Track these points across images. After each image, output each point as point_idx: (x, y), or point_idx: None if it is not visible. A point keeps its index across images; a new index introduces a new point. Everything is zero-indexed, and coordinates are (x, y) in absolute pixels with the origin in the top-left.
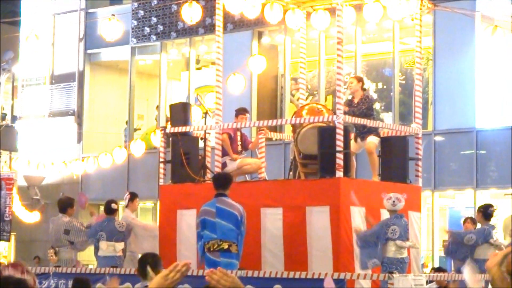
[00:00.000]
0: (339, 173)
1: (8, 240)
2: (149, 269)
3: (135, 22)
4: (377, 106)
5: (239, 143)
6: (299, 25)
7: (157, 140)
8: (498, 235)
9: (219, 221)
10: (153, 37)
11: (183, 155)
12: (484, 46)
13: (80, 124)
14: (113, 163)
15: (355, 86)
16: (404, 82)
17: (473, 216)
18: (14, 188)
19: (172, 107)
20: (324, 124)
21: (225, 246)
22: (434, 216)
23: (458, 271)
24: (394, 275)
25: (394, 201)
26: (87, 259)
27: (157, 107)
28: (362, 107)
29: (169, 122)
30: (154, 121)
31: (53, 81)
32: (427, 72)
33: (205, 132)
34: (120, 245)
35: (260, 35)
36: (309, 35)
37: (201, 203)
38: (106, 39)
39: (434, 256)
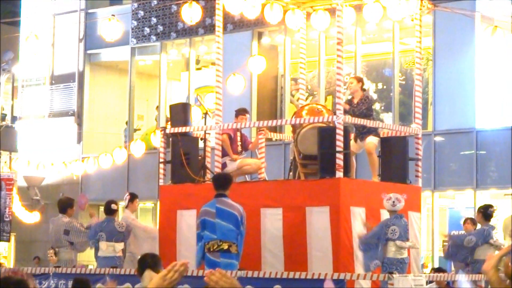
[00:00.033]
0: (339, 174)
1: (8, 240)
2: (146, 273)
3: (135, 23)
4: (377, 106)
5: (239, 143)
6: (299, 26)
7: (157, 141)
8: (498, 236)
9: (219, 222)
10: (153, 37)
11: (183, 156)
12: (484, 47)
13: (80, 124)
14: (113, 163)
15: (354, 87)
16: (404, 82)
17: (473, 217)
18: (14, 189)
19: (172, 107)
20: (324, 125)
21: (225, 246)
22: (434, 216)
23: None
24: (394, 275)
25: (394, 202)
26: (87, 259)
27: (157, 107)
28: (361, 108)
29: (169, 123)
30: (154, 121)
31: (53, 82)
32: (427, 72)
33: (205, 133)
34: (119, 246)
35: (260, 35)
36: (309, 36)
37: (201, 203)
38: (106, 39)
39: (434, 256)
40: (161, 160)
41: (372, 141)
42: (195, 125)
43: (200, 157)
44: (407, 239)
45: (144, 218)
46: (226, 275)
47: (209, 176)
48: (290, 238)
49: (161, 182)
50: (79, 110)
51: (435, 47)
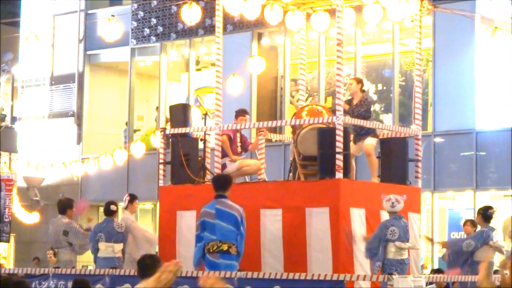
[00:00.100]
0: (339, 175)
1: (8, 241)
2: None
3: (135, 23)
4: (377, 107)
5: (238, 144)
6: (299, 26)
7: (157, 141)
8: (498, 237)
9: (218, 223)
10: (153, 38)
11: (183, 156)
12: (484, 48)
13: (79, 125)
14: (113, 164)
15: (354, 88)
16: (404, 83)
17: (473, 218)
18: (14, 189)
19: (172, 108)
20: (324, 125)
21: (225, 247)
22: (434, 217)
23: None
24: (393, 276)
25: (393, 203)
26: (87, 260)
27: (157, 108)
28: (360, 110)
29: (169, 123)
30: (154, 122)
31: (53, 82)
32: (427, 73)
33: (205, 133)
34: (119, 246)
35: (260, 36)
36: (309, 36)
37: (200, 204)
38: (106, 39)
39: (433, 257)
40: (161, 161)
41: (370, 142)
42: (195, 126)
43: (200, 158)
44: (407, 240)
45: (144, 219)
46: (221, 280)
47: (208, 177)
48: (290, 239)
49: (161, 183)
50: (79, 110)
51: (435, 48)
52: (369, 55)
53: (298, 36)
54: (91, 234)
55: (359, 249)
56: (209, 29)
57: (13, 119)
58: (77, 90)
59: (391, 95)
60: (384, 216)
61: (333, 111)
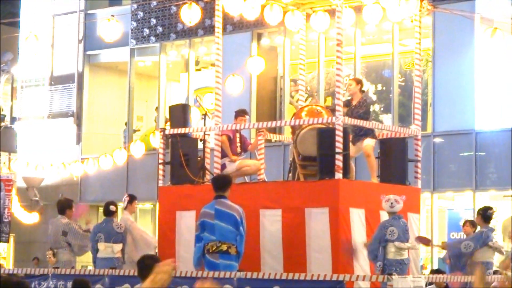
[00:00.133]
0: (338, 175)
1: (7, 241)
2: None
3: (135, 24)
4: (376, 107)
5: (238, 144)
6: (298, 27)
7: (157, 142)
8: (498, 237)
9: (217, 223)
10: (153, 38)
11: (183, 157)
12: (484, 48)
13: (79, 125)
14: (113, 164)
15: (353, 88)
16: (403, 83)
17: (473, 219)
18: (13, 189)
19: (172, 108)
20: (324, 126)
21: (224, 247)
22: (433, 218)
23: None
24: (393, 276)
25: (392, 203)
26: (86, 260)
27: (157, 108)
28: (359, 111)
29: (169, 124)
30: (154, 122)
31: (53, 82)
32: (427, 73)
33: (204, 134)
34: (118, 247)
35: (259, 36)
36: (309, 37)
37: (200, 204)
38: (105, 40)
39: (433, 258)
40: (161, 161)
41: (369, 143)
42: (195, 126)
43: (199, 158)
44: (407, 240)
45: (144, 219)
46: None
47: (208, 177)
48: (289, 239)
49: (161, 183)
50: (79, 111)
51: (434, 48)
52: (369, 55)
53: (298, 37)
54: (91, 235)
55: (361, 256)
56: (209, 30)
57: (13, 119)
58: (76, 90)
59: (390, 95)
60: (384, 216)
61: (332, 109)
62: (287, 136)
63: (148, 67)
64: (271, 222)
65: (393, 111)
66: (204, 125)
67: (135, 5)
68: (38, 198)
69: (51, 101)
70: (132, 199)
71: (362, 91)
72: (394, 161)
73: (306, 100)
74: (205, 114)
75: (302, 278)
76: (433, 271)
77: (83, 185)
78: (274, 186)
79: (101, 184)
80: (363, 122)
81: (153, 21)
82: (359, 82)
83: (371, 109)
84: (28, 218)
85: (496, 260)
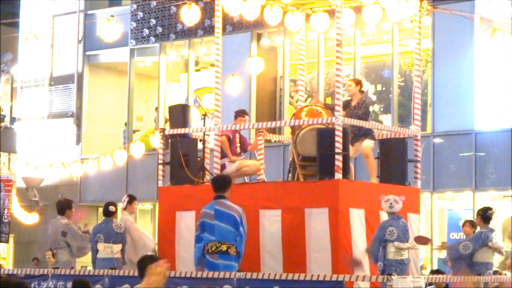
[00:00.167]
0: (338, 175)
1: (7, 241)
2: None
3: (134, 24)
4: (376, 108)
5: (238, 145)
6: (298, 27)
7: (156, 142)
8: (497, 237)
9: (217, 223)
10: (152, 38)
11: (182, 157)
12: (483, 48)
13: (79, 125)
14: (113, 165)
15: (353, 89)
16: (403, 84)
17: (472, 219)
18: (13, 190)
19: (171, 108)
20: (323, 126)
21: (224, 248)
22: (433, 218)
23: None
24: (393, 277)
25: (391, 203)
26: (86, 260)
27: (156, 108)
28: (358, 112)
29: (168, 124)
30: (153, 122)
31: (52, 83)
32: (426, 74)
33: (204, 134)
34: (117, 247)
35: (259, 36)
36: (308, 37)
37: (200, 205)
38: (105, 40)
39: (433, 258)
40: (160, 161)
41: (368, 144)
42: (194, 127)
43: (199, 159)
44: (406, 240)
45: (143, 220)
46: (164, 276)
47: (208, 177)
48: (289, 239)
49: (160, 183)
50: (78, 111)
51: (434, 48)
52: (369, 55)
53: (298, 37)
54: (91, 235)
55: (364, 265)
56: (209, 30)
57: (12, 120)
58: (76, 91)
59: (390, 95)
60: (384, 216)
61: (331, 108)
62: (286, 136)
63: (147, 68)
64: (270, 222)
65: (392, 112)
66: (204, 125)
67: (134, 6)
68: (37, 198)
69: (50, 101)
70: (131, 199)
71: (361, 92)
72: (394, 161)
73: (305, 100)
74: (204, 115)
75: (301, 278)
76: (433, 272)
77: (82, 185)
78: (274, 187)
79: (100, 184)
80: (362, 122)
81: (153, 21)
82: (358, 82)
83: (371, 109)
84: (28, 218)
85: (496, 260)
